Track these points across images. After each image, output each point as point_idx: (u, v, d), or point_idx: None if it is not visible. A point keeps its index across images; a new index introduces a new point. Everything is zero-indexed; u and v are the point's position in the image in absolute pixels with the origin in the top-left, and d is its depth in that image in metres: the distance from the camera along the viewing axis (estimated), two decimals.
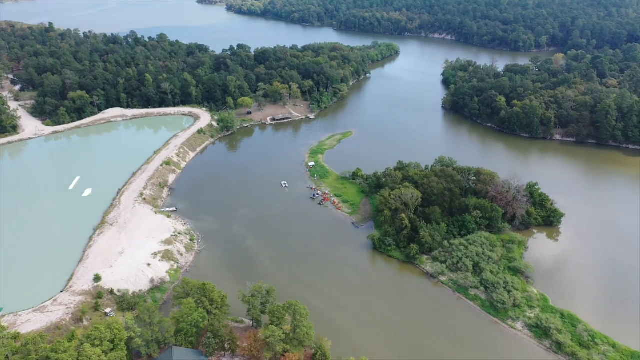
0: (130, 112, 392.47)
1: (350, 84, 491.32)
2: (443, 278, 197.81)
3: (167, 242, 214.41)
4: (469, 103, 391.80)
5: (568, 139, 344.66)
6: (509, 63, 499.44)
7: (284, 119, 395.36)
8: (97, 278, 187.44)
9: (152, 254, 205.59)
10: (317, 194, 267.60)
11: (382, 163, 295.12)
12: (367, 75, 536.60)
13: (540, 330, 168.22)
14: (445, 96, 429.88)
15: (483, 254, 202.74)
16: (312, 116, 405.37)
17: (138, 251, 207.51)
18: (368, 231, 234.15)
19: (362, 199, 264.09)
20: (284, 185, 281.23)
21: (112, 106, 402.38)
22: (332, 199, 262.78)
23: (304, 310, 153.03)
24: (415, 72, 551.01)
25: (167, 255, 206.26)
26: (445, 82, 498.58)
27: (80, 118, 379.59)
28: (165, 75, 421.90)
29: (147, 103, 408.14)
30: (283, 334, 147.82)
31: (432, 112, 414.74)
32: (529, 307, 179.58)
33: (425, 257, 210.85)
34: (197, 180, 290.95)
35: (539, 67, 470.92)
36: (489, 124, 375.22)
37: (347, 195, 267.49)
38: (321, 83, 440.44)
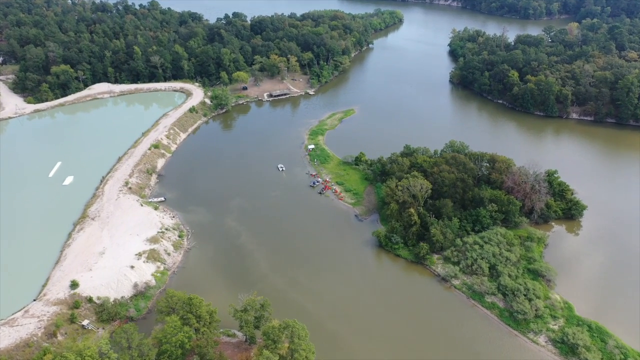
0: (118, 87, 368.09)
1: (352, 55, 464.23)
2: (456, 282, 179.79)
3: (153, 240, 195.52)
4: (479, 78, 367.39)
5: (585, 118, 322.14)
6: (520, 33, 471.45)
7: (281, 95, 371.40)
8: (74, 284, 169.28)
9: (137, 255, 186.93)
10: (317, 182, 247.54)
11: (387, 145, 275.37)
12: (370, 45, 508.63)
13: (566, 347, 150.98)
14: (453, 70, 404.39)
15: (500, 254, 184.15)
16: (311, 92, 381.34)
17: (121, 251, 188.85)
18: (373, 225, 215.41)
19: (365, 187, 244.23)
20: (280, 169, 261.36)
21: (99, 81, 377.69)
22: (334, 187, 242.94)
23: (303, 330, 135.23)
24: (420, 42, 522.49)
25: (152, 256, 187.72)
26: (453, 54, 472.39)
27: (65, 94, 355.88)
28: (155, 48, 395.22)
29: (136, 78, 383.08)
30: (279, 359, 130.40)
31: (439, 87, 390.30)
32: (552, 317, 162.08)
33: (435, 256, 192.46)
34: (188, 165, 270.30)
35: (552, 37, 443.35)
36: (500, 101, 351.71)
37: (349, 182, 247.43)
38: (321, 55, 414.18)
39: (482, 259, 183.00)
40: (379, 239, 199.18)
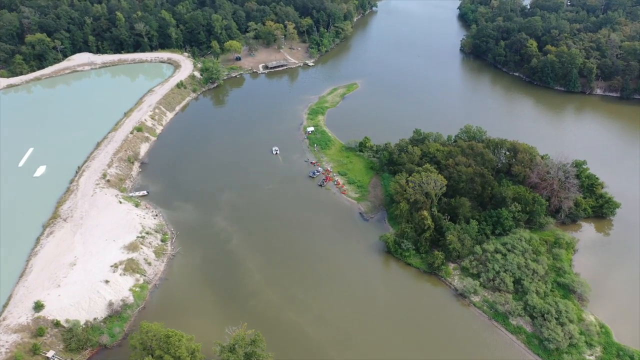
0: (99, 58, 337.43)
1: (355, 20, 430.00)
2: (475, 298, 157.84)
3: (132, 247, 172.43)
4: (493, 48, 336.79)
5: (610, 94, 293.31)
6: None
7: (278, 66, 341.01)
8: (39, 306, 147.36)
9: (112, 266, 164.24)
10: (318, 172, 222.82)
11: (393, 127, 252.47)
12: (374, 8, 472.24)
13: None
14: (464, 37, 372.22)
15: (526, 266, 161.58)
16: (310, 62, 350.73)
17: (94, 261, 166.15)
18: (379, 225, 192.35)
19: (371, 178, 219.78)
20: (275, 152, 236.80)
21: (79, 51, 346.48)
22: (336, 178, 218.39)
23: None
24: (428, 5, 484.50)
25: (131, 267, 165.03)
26: (463, 18, 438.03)
27: (41, 67, 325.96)
28: (140, 14, 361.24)
29: (119, 47, 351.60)
30: None
31: (449, 57, 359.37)
32: (587, 345, 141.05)
33: (451, 265, 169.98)
34: (174, 150, 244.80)
35: (572, 1, 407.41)
36: (517, 74, 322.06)
37: (353, 172, 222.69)
38: (321, 21, 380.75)
39: (505, 271, 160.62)
40: (388, 245, 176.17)
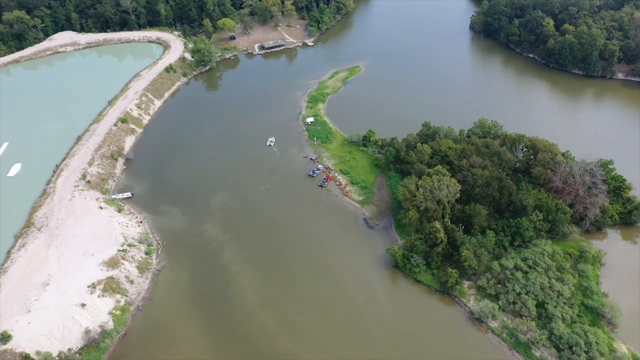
0: (83, 38, 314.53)
1: None
2: (494, 324, 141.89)
3: (113, 262, 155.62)
4: (506, 26, 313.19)
5: (633, 79, 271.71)
6: None
7: (275, 47, 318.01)
8: (6, 337, 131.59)
9: (90, 286, 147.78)
10: (318, 170, 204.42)
11: (399, 115, 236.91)
12: None
13: None
14: (474, 14, 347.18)
15: (550, 287, 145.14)
16: (310, 42, 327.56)
17: (70, 280, 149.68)
18: (386, 233, 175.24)
19: (376, 177, 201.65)
20: (270, 144, 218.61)
21: (62, 29, 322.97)
22: (338, 178, 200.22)
23: None
24: None
25: (111, 286, 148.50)
26: None
27: (21, 48, 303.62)
28: None
29: (105, 25, 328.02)
30: None
31: (457, 35, 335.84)
32: None
33: (466, 283, 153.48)
34: (162, 143, 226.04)
35: None
36: (531, 55, 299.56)
37: (356, 170, 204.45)
38: None
39: (527, 293, 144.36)
40: (395, 259, 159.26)
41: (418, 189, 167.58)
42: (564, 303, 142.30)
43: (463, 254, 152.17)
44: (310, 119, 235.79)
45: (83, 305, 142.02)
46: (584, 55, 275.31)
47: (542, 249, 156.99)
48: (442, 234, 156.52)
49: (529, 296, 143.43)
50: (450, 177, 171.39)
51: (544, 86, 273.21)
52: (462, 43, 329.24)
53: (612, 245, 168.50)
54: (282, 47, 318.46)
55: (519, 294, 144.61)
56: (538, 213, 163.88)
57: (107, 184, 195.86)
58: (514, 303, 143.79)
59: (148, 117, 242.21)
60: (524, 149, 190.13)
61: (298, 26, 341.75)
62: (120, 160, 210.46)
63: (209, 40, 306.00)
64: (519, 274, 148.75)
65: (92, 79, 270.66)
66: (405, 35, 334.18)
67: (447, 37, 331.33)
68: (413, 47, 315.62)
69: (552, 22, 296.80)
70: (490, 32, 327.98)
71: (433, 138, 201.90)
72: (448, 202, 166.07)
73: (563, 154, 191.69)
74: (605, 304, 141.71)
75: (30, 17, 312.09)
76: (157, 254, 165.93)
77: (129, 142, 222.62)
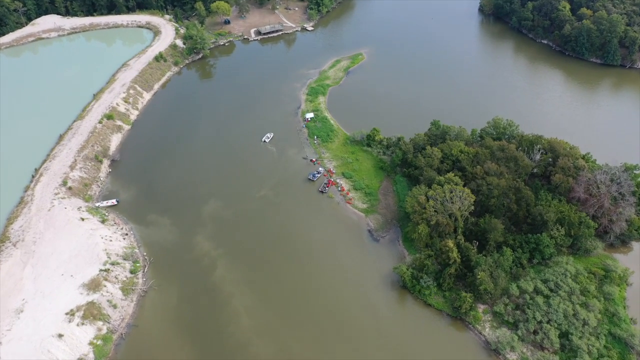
0: (68, 22, 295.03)
1: None
2: (512, 356, 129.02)
3: (94, 284, 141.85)
4: (519, 10, 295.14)
5: None
6: None
7: (273, 32, 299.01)
8: None
9: (68, 314, 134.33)
10: (319, 173, 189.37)
11: (404, 108, 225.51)
12: None
13: None
14: None
15: (574, 314, 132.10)
16: (309, 26, 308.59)
17: (46, 306, 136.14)
18: (392, 247, 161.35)
19: (381, 181, 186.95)
20: (265, 140, 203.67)
21: (45, 13, 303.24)
22: (340, 183, 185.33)
23: None
24: None
25: (91, 313, 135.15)
26: None
27: (1, 34, 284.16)
28: None
29: (91, 8, 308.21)
30: None
31: (465, 19, 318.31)
32: None
33: (481, 308, 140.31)
34: (151, 142, 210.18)
35: None
36: (545, 41, 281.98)
37: (360, 173, 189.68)
38: None
39: (549, 321, 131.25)
40: (403, 279, 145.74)
41: (428, 201, 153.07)
42: (590, 333, 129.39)
43: (478, 276, 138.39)
44: (310, 115, 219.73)
45: (60, 335, 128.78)
46: (603, 42, 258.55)
47: (564, 269, 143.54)
48: (455, 254, 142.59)
49: (551, 325, 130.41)
50: (463, 185, 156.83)
51: (559, 76, 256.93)
52: (471, 27, 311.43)
53: (636, 261, 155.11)
54: (280, 32, 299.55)
55: (540, 322, 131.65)
56: (559, 227, 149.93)
57: (91, 190, 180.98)
58: (535, 333, 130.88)
59: (136, 113, 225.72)
60: (541, 150, 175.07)
61: (297, 8, 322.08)
62: (106, 162, 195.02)
63: (202, 25, 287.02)
64: (539, 299, 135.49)
65: (77, 69, 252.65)
66: (410, 17, 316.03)
67: (455, 21, 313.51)
68: (418, 32, 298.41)
69: (568, 6, 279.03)
70: (501, 15, 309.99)
71: (443, 139, 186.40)
72: (461, 216, 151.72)
73: (583, 157, 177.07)
74: (634, 334, 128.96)
75: (11, 0, 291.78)
76: (143, 271, 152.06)
77: (115, 141, 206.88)
